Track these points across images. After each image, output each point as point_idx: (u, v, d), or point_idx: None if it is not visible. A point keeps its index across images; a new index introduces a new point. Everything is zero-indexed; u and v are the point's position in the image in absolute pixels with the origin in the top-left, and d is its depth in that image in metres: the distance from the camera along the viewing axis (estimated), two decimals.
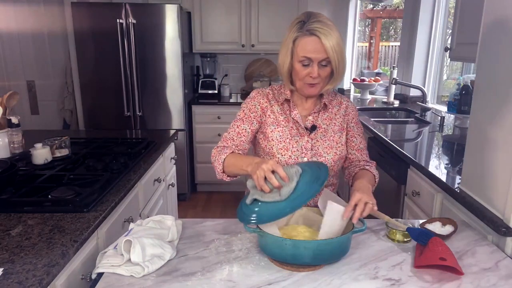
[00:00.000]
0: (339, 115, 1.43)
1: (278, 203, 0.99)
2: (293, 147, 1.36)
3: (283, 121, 1.39)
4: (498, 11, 1.28)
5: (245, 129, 1.39)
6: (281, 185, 1.01)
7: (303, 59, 1.26)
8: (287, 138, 1.37)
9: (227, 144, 1.37)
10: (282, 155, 1.36)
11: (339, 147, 1.40)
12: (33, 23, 3.73)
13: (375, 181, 1.40)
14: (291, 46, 1.28)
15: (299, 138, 1.37)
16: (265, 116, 1.40)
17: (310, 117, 1.40)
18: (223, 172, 1.30)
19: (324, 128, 1.40)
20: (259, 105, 1.40)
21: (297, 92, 1.39)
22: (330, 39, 1.23)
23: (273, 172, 1.03)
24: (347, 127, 1.44)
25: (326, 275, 1.01)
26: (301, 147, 1.36)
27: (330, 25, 1.26)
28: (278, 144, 1.37)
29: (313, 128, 1.38)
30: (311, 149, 1.37)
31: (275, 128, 1.38)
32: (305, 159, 1.35)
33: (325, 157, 1.37)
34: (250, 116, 1.40)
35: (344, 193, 3.51)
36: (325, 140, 1.39)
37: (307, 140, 1.37)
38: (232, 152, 1.31)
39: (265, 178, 1.03)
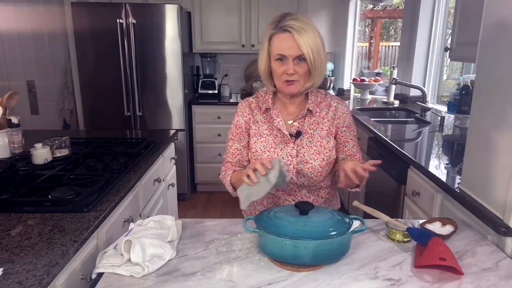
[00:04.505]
0: (327, 118, 1.39)
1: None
2: (278, 156, 1.35)
3: (266, 129, 1.39)
4: (498, 11, 1.28)
5: (237, 148, 1.43)
6: (266, 172, 1.13)
7: (277, 56, 1.26)
8: (271, 147, 1.37)
9: (229, 166, 1.42)
10: None
11: (326, 152, 1.37)
12: (33, 23, 3.73)
13: (363, 180, 1.38)
14: (267, 45, 1.29)
15: (284, 146, 1.36)
16: (250, 128, 1.41)
17: (295, 123, 1.38)
18: (235, 191, 1.35)
19: (311, 133, 1.37)
20: (242, 120, 1.42)
21: (279, 92, 1.37)
22: (304, 35, 1.22)
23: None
24: (339, 131, 1.40)
25: (326, 275, 1.01)
26: (286, 154, 1.35)
27: (306, 22, 1.25)
28: (262, 154, 1.36)
29: (298, 134, 1.36)
30: (297, 156, 1.35)
31: (257, 139, 1.38)
32: (291, 166, 1.34)
33: (311, 163, 1.35)
34: (237, 133, 1.42)
35: (344, 193, 3.51)
36: (311, 146, 1.36)
37: (292, 147, 1.35)
38: (234, 171, 1.37)
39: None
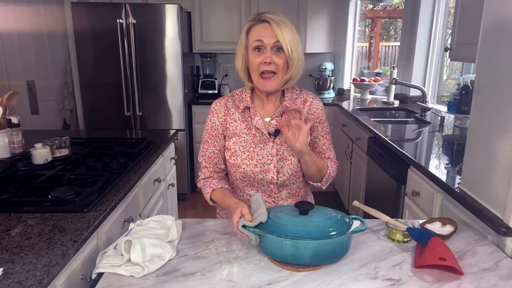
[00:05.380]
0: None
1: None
2: (258, 155, 1.33)
3: (245, 129, 1.36)
4: (498, 10, 1.28)
5: (213, 152, 1.40)
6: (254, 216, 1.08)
7: (255, 44, 1.26)
8: (251, 147, 1.35)
9: (206, 173, 1.41)
10: (247, 165, 1.34)
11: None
12: (33, 23, 3.73)
13: (327, 172, 1.35)
14: (245, 38, 1.29)
15: (264, 145, 1.34)
16: (226, 129, 1.38)
17: (273, 121, 1.36)
18: (212, 201, 1.39)
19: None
20: (218, 121, 1.39)
21: (255, 88, 1.36)
22: (282, 27, 1.24)
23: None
24: (312, 127, 1.38)
25: (326, 275, 1.01)
26: (266, 153, 1.33)
27: (283, 17, 1.27)
28: (242, 155, 1.34)
29: (277, 132, 1.35)
30: (276, 154, 1.34)
31: (236, 140, 1.36)
32: (271, 165, 1.33)
33: (290, 159, 1.33)
34: (213, 136, 1.39)
35: (344, 193, 3.50)
36: None
37: (272, 146, 1.34)
38: (213, 190, 1.35)
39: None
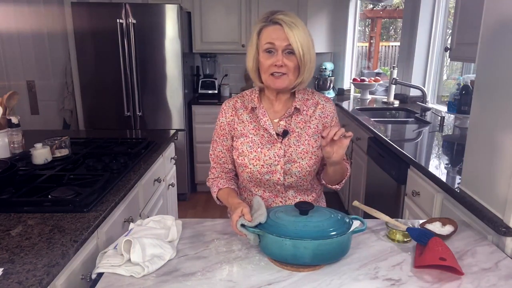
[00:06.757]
0: (314, 116, 1.36)
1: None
2: (265, 156, 1.33)
3: (252, 129, 1.36)
4: (498, 11, 1.28)
5: (221, 151, 1.41)
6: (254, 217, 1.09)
7: (266, 46, 1.24)
8: (258, 147, 1.34)
9: (215, 173, 1.44)
10: (254, 165, 1.33)
11: (314, 151, 1.33)
12: (33, 23, 3.73)
13: (347, 174, 1.37)
14: (256, 39, 1.28)
15: (271, 146, 1.33)
16: (233, 129, 1.38)
17: (282, 122, 1.35)
18: (219, 200, 1.41)
19: (298, 132, 1.34)
20: (225, 121, 1.39)
21: (266, 88, 1.35)
22: (294, 29, 1.22)
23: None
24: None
25: (326, 275, 1.01)
26: (274, 154, 1.32)
27: (296, 19, 1.26)
28: (249, 155, 1.34)
29: (285, 133, 1.34)
30: (284, 156, 1.32)
31: (244, 140, 1.36)
32: (278, 167, 1.32)
33: (299, 162, 1.32)
34: (221, 135, 1.40)
35: (344, 193, 3.51)
36: (299, 145, 1.33)
37: (280, 147, 1.33)
38: (220, 189, 1.38)
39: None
